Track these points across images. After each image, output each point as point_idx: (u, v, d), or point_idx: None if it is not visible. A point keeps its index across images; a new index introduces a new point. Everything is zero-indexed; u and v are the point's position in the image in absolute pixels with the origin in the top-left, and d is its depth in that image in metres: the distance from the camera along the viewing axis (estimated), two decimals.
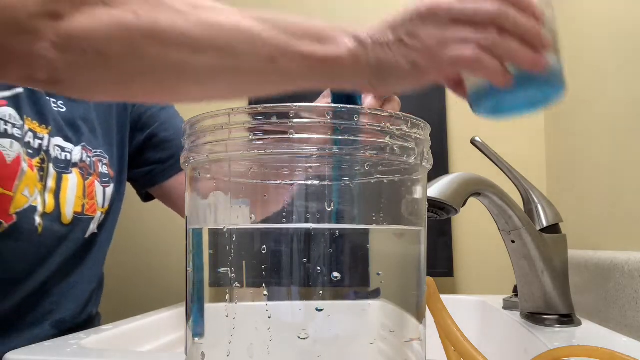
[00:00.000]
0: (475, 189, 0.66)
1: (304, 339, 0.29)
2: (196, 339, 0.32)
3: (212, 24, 0.38)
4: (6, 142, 0.66)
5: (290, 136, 0.28)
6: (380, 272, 0.32)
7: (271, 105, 0.28)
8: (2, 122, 0.66)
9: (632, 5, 0.78)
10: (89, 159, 0.79)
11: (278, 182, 0.33)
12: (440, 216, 0.65)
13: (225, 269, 0.30)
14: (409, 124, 0.31)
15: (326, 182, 0.30)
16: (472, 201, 0.67)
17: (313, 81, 0.40)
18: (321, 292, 0.29)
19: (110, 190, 0.82)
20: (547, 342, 0.54)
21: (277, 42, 0.38)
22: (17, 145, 0.67)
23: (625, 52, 0.81)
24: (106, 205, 0.81)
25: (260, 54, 0.38)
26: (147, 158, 0.90)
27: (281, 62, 0.38)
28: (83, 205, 0.76)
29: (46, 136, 0.72)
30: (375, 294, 0.31)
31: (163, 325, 0.76)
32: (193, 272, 0.33)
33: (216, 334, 0.31)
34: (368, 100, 0.54)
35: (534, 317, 0.66)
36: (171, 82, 0.40)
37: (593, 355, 0.33)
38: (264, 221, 0.31)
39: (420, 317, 0.33)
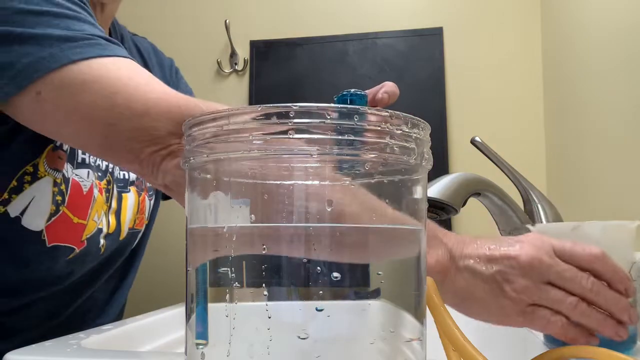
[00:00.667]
0: (475, 189, 0.66)
1: (304, 339, 0.29)
2: (196, 339, 0.32)
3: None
4: (84, 172, 0.67)
5: (290, 136, 0.28)
6: (380, 272, 0.32)
7: (271, 105, 0.28)
8: (80, 152, 0.67)
9: (632, 5, 0.78)
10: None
11: (278, 182, 0.33)
12: (440, 216, 0.65)
13: (225, 269, 0.30)
14: (409, 124, 0.31)
15: (326, 182, 0.30)
16: (472, 201, 0.67)
17: None
18: (321, 292, 0.29)
19: (152, 201, 0.85)
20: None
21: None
22: (91, 174, 0.68)
23: (625, 53, 0.81)
24: (149, 216, 0.84)
25: None
26: None
27: None
28: (135, 220, 0.79)
29: None
30: (375, 294, 0.31)
31: (163, 325, 0.76)
32: (193, 272, 0.33)
33: (216, 334, 0.31)
34: (381, 91, 0.56)
35: None
36: None
37: (593, 355, 0.33)
38: (263, 220, 0.31)
39: (420, 317, 0.33)
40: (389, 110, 0.30)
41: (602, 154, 0.89)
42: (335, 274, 0.29)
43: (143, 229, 0.82)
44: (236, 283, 0.30)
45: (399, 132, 0.30)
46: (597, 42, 0.93)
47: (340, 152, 0.28)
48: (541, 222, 0.69)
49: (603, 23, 0.90)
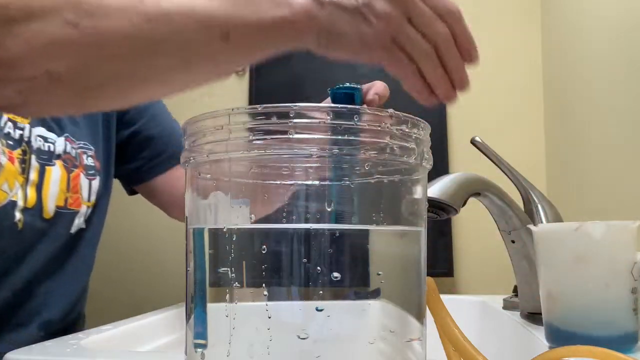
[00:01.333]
0: (475, 189, 0.66)
1: (304, 339, 0.29)
2: (196, 339, 0.32)
3: (159, 17, 0.36)
4: None
5: (290, 136, 0.28)
6: (380, 272, 0.32)
7: (271, 105, 0.28)
8: None
9: (632, 4, 0.78)
10: (73, 151, 0.75)
11: (278, 182, 0.33)
12: (440, 216, 0.65)
13: (225, 269, 0.30)
14: (409, 124, 0.31)
15: (326, 182, 0.30)
16: (472, 201, 0.67)
17: (268, 48, 0.39)
18: (321, 292, 0.29)
19: (96, 183, 0.79)
20: (547, 342, 0.53)
21: (227, 16, 0.37)
22: None
23: (625, 53, 0.81)
24: (93, 199, 0.78)
25: (213, 35, 0.36)
26: (132, 155, 0.87)
27: (234, 37, 0.37)
28: (66, 199, 0.72)
29: (27, 126, 0.69)
30: (375, 294, 0.31)
31: (163, 325, 0.76)
32: (193, 272, 0.33)
33: (216, 334, 0.31)
34: (371, 92, 0.55)
35: (534, 317, 0.66)
36: (130, 86, 0.39)
37: (592, 355, 0.33)
38: (263, 220, 0.31)
39: (420, 317, 0.33)
40: (389, 110, 0.30)
41: (602, 154, 0.89)
42: (335, 274, 0.29)
43: (84, 211, 0.75)
44: (236, 283, 0.30)
45: (399, 132, 0.30)
46: (597, 42, 0.93)
47: (340, 152, 0.28)
48: (541, 222, 0.69)
49: (603, 23, 0.90)
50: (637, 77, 0.76)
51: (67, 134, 0.74)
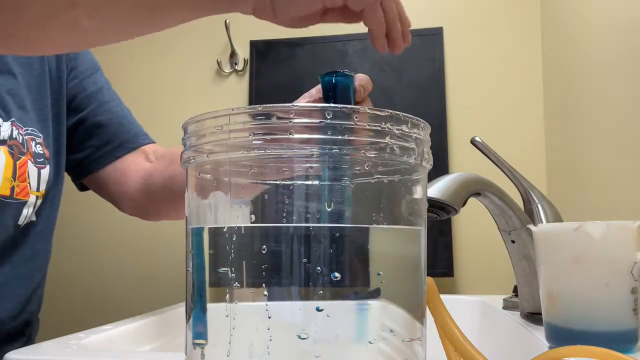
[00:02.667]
0: (475, 189, 0.66)
1: (304, 338, 0.29)
2: (196, 339, 0.32)
3: None
4: None
5: (290, 136, 0.28)
6: (380, 272, 0.32)
7: (271, 105, 0.28)
8: None
9: (632, 4, 0.78)
10: (20, 137, 0.70)
11: (278, 182, 0.33)
12: (440, 216, 0.65)
13: (225, 269, 0.30)
14: (409, 124, 0.31)
15: (326, 182, 0.30)
16: (472, 201, 0.67)
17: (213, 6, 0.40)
18: (321, 292, 0.29)
19: (46, 172, 0.73)
20: (547, 342, 0.53)
21: None
22: None
23: (626, 53, 0.81)
24: (42, 188, 0.73)
25: None
26: (80, 143, 0.82)
27: None
28: (12, 188, 0.67)
29: None
30: (375, 294, 0.31)
31: (163, 325, 0.76)
32: (193, 272, 0.33)
33: (216, 334, 0.31)
34: (356, 84, 0.56)
35: (534, 317, 0.66)
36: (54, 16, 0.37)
37: (592, 355, 0.33)
38: (263, 219, 0.31)
39: (420, 317, 0.33)
40: (389, 110, 0.30)
41: (602, 154, 0.89)
42: (335, 274, 0.29)
43: (33, 200, 0.70)
44: (236, 283, 0.30)
45: (399, 132, 0.30)
46: (598, 42, 0.93)
47: (340, 151, 0.28)
48: (541, 222, 0.69)
49: (603, 23, 0.90)
50: (637, 77, 0.76)
51: (13, 119, 0.70)
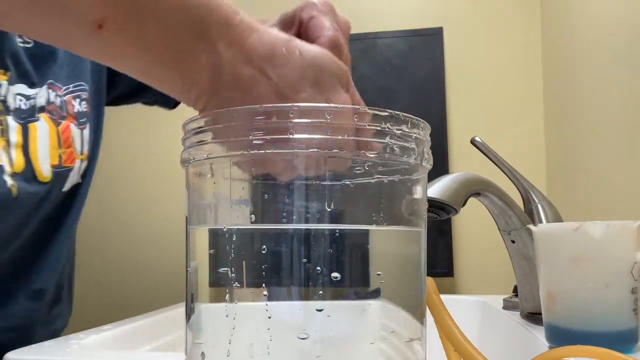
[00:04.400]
0: (475, 189, 0.66)
1: (304, 339, 0.29)
2: (196, 339, 0.32)
3: None
4: None
5: (290, 136, 0.28)
6: (380, 272, 0.32)
7: (271, 105, 0.28)
8: None
9: (632, 4, 0.78)
10: (59, 99, 0.66)
11: (278, 182, 0.33)
12: (440, 216, 0.65)
13: (225, 269, 0.30)
14: (409, 124, 0.31)
15: (326, 182, 0.30)
16: (472, 201, 0.67)
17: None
18: (321, 292, 0.29)
19: (87, 132, 0.69)
20: (547, 342, 0.53)
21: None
22: None
23: (625, 53, 0.81)
24: (86, 150, 0.69)
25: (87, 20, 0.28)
26: (138, 91, 0.78)
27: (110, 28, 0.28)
28: (60, 156, 0.64)
29: (4, 83, 0.61)
30: (375, 294, 0.31)
31: (163, 325, 0.76)
32: (193, 272, 0.33)
33: (216, 334, 0.31)
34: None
35: (534, 317, 0.66)
36: None
37: (593, 355, 0.33)
38: (263, 219, 0.31)
39: (420, 317, 0.33)
40: (389, 110, 0.30)
41: (602, 154, 0.89)
42: (335, 274, 0.29)
43: (78, 165, 0.67)
44: (236, 283, 0.30)
45: (399, 132, 0.30)
46: (597, 42, 0.93)
47: (339, 152, 0.28)
48: (541, 222, 0.69)
49: (603, 23, 0.90)
50: (637, 77, 0.76)
51: (50, 81, 0.66)
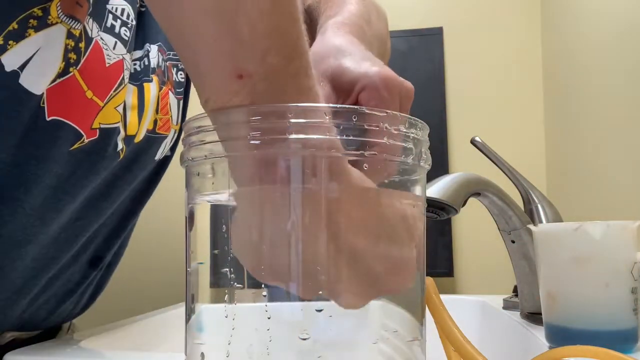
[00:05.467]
0: (475, 189, 0.66)
1: (304, 339, 0.29)
2: (196, 339, 0.32)
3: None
4: (110, 40, 0.52)
5: (290, 136, 0.28)
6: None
7: (271, 105, 0.28)
8: (110, 15, 0.52)
9: (632, 4, 0.78)
10: (163, 64, 0.63)
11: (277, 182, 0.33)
12: (440, 216, 0.65)
13: (225, 269, 0.30)
14: (407, 124, 0.31)
15: (326, 183, 0.30)
16: (472, 201, 0.67)
17: None
18: (321, 292, 0.29)
19: (182, 103, 0.67)
20: (547, 342, 0.53)
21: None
22: (120, 48, 0.53)
23: (625, 52, 0.81)
24: (180, 121, 0.66)
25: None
26: None
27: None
28: (155, 122, 0.61)
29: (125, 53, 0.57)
30: None
31: (163, 325, 0.76)
32: (193, 272, 0.33)
33: (216, 334, 0.31)
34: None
35: (534, 317, 0.66)
36: None
37: (593, 355, 0.33)
38: None
39: (420, 317, 0.33)
40: (387, 110, 0.30)
41: (602, 154, 0.89)
42: None
43: (172, 135, 0.64)
44: (236, 283, 0.30)
45: (397, 132, 0.30)
46: (597, 42, 0.93)
47: (338, 152, 0.28)
48: (541, 222, 0.69)
49: (603, 24, 0.90)
50: (637, 77, 0.76)
51: (160, 43, 0.63)
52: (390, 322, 0.32)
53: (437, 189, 0.63)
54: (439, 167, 1.28)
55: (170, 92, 0.64)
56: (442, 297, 0.38)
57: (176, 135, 0.66)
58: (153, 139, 0.61)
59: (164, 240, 1.43)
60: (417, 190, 0.33)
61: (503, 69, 1.34)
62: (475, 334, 0.82)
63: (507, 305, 0.77)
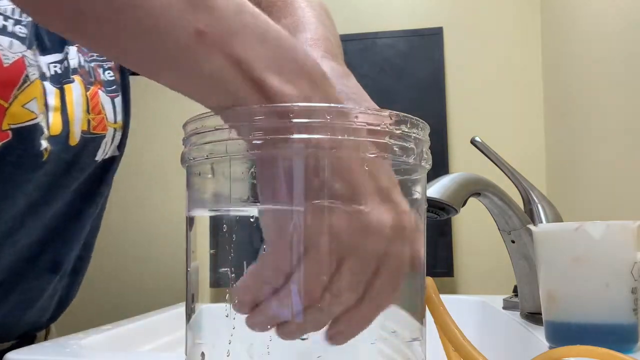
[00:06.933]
0: (475, 189, 0.66)
1: (304, 339, 0.29)
2: (196, 339, 0.32)
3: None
4: (4, 40, 0.53)
5: (290, 136, 0.28)
6: None
7: (271, 105, 0.28)
8: (0, 17, 0.53)
9: (632, 4, 0.78)
10: (87, 64, 0.64)
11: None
12: (440, 216, 0.65)
13: (225, 269, 0.30)
14: (408, 124, 0.31)
15: (326, 183, 0.30)
16: (472, 201, 0.67)
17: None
18: None
19: (119, 100, 0.67)
20: (547, 342, 0.53)
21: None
22: (18, 46, 0.54)
23: (625, 52, 0.81)
24: (119, 119, 0.66)
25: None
26: None
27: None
28: (89, 122, 0.61)
29: (38, 55, 0.58)
30: None
31: (163, 325, 0.76)
32: (193, 272, 0.33)
33: (216, 334, 0.31)
34: None
35: (534, 317, 0.66)
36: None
37: (593, 355, 0.33)
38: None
39: (420, 317, 0.33)
40: (388, 110, 0.30)
41: (602, 154, 0.89)
42: None
43: (111, 133, 0.64)
44: (236, 283, 0.30)
45: (398, 132, 0.30)
46: (597, 42, 0.93)
47: (339, 152, 0.28)
48: (541, 222, 0.69)
49: (603, 23, 0.90)
50: (637, 77, 0.76)
51: (77, 45, 0.63)
52: (390, 322, 0.32)
53: (437, 189, 0.63)
54: (439, 167, 1.28)
55: (100, 91, 0.64)
56: (442, 297, 0.38)
57: (119, 134, 0.66)
58: (89, 139, 0.62)
59: (164, 240, 1.43)
60: (418, 190, 0.33)
61: (503, 69, 1.34)
62: (475, 334, 0.82)
63: (507, 305, 0.77)
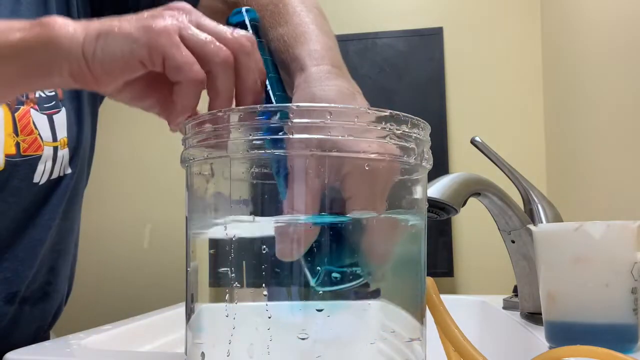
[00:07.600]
0: (475, 189, 0.66)
1: (304, 339, 0.29)
2: (196, 339, 0.32)
3: None
4: None
5: (290, 136, 0.28)
6: (380, 272, 0.32)
7: (271, 105, 0.28)
8: None
9: (632, 4, 0.78)
10: None
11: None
12: (440, 216, 0.64)
13: (225, 269, 0.30)
14: (409, 124, 0.31)
15: (326, 183, 0.30)
16: (472, 201, 0.67)
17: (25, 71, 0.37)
18: (321, 292, 0.29)
19: (61, 116, 0.63)
20: (547, 342, 0.53)
21: None
22: None
23: (625, 52, 0.81)
24: (62, 136, 0.63)
25: None
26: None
27: None
28: (18, 144, 0.59)
29: None
30: (376, 294, 0.31)
31: (163, 325, 0.76)
32: (193, 272, 0.33)
33: (216, 334, 0.31)
34: None
35: (534, 317, 0.66)
36: None
37: (593, 355, 0.33)
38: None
39: (420, 317, 0.33)
40: (389, 110, 0.30)
41: (602, 154, 0.89)
42: (336, 274, 0.29)
43: (51, 154, 0.61)
44: (236, 283, 0.30)
45: (399, 132, 0.30)
46: (597, 41, 0.93)
47: (340, 152, 0.28)
48: (541, 222, 0.69)
49: (603, 23, 0.90)
50: (637, 77, 0.76)
51: None
52: (390, 322, 0.32)
53: (437, 189, 0.63)
54: (439, 167, 1.28)
55: (32, 110, 0.61)
56: (442, 297, 0.38)
57: (64, 151, 0.63)
58: (19, 162, 0.59)
59: (164, 240, 1.43)
60: (418, 189, 0.34)
61: (503, 69, 1.34)
62: (475, 334, 0.82)
63: (507, 305, 0.77)
